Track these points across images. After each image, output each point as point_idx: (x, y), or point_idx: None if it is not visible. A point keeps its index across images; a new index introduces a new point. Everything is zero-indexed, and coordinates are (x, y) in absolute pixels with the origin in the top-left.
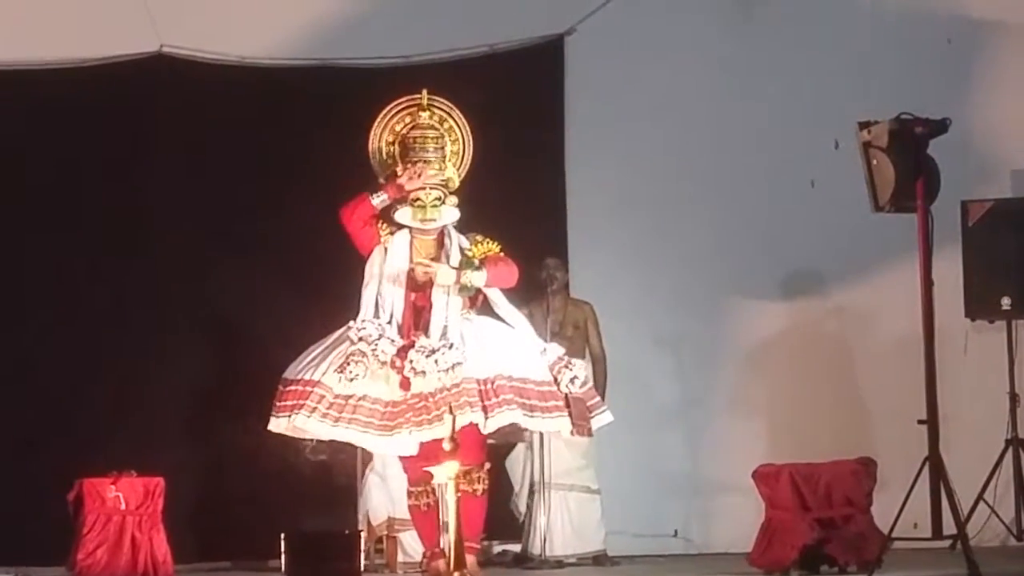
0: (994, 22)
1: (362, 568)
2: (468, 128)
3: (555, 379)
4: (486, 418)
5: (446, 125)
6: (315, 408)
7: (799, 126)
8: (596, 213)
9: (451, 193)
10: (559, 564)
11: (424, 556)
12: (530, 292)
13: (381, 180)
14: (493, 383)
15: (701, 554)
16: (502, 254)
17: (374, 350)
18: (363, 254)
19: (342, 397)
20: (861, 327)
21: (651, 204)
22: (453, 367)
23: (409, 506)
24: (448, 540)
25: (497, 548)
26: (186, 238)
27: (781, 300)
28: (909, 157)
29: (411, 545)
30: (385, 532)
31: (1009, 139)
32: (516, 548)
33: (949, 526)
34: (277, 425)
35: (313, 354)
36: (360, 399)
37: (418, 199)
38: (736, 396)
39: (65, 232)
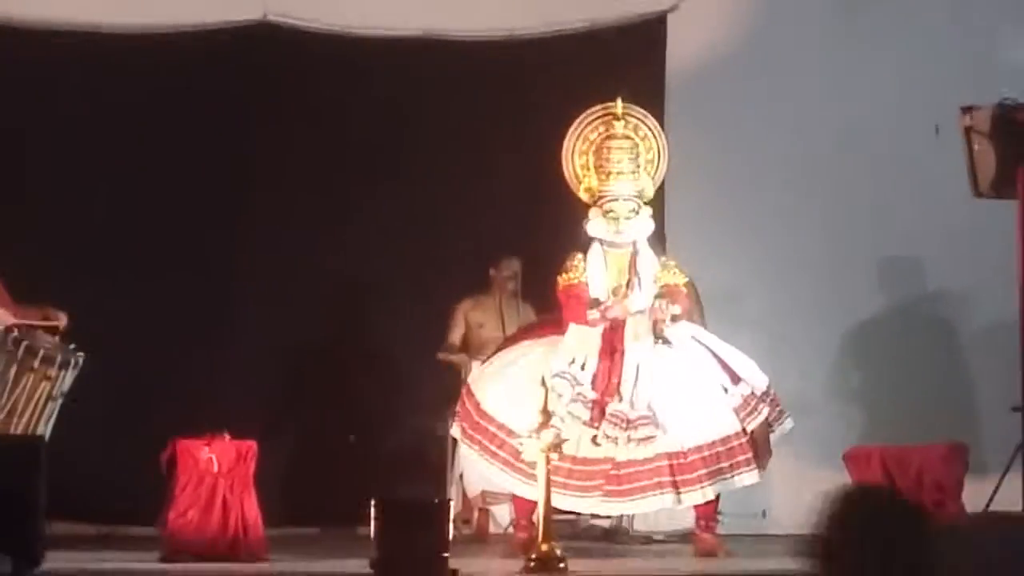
0: None
1: (451, 538)
2: (663, 135)
3: (743, 426)
4: (678, 497)
5: (640, 133)
6: (507, 463)
7: (902, 110)
8: (695, 193)
9: (646, 203)
10: (647, 540)
11: (513, 525)
12: None
13: (579, 193)
14: (686, 457)
15: (789, 535)
16: (683, 287)
17: (569, 411)
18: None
19: None
20: (958, 311)
21: (751, 185)
22: (646, 439)
23: None
24: (538, 514)
25: (586, 522)
26: (288, 206)
27: (879, 283)
28: (1011, 143)
29: (504, 517)
30: (480, 505)
31: None
32: (605, 523)
33: None
34: (456, 433)
35: (507, 377)
36: None
37: (611, 210)
38: (830, 379)
39: (168, 196)
